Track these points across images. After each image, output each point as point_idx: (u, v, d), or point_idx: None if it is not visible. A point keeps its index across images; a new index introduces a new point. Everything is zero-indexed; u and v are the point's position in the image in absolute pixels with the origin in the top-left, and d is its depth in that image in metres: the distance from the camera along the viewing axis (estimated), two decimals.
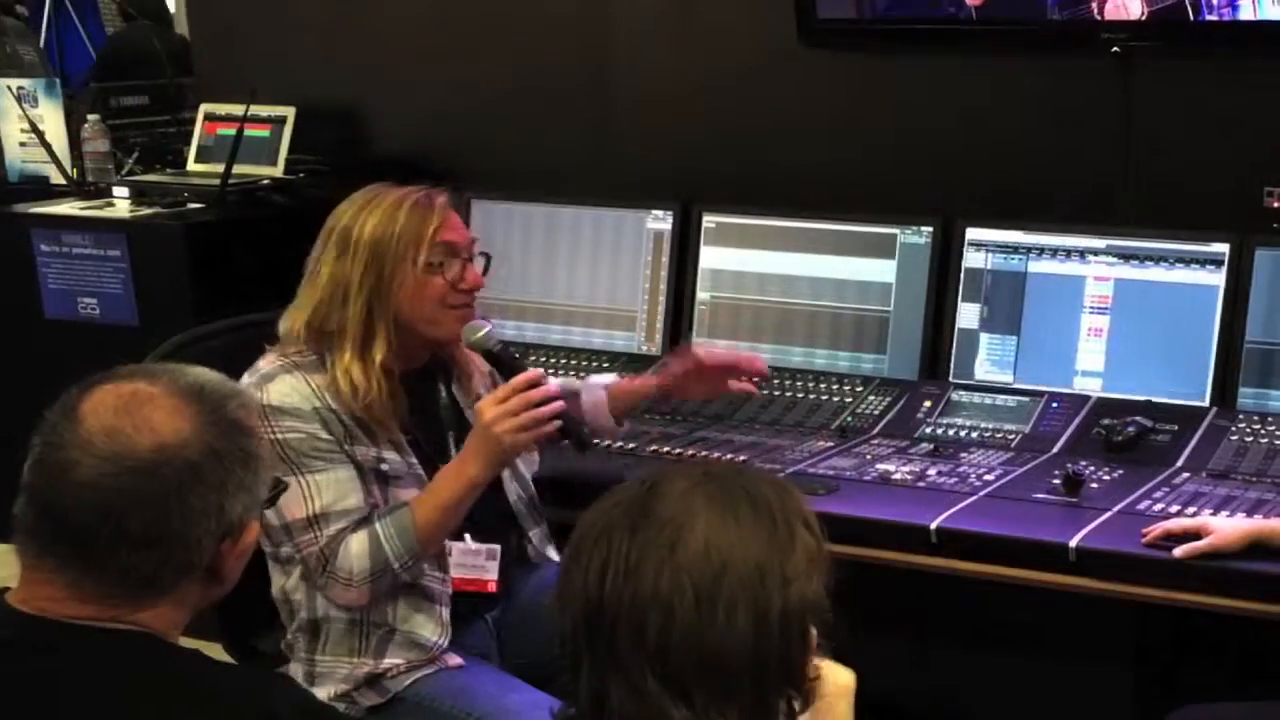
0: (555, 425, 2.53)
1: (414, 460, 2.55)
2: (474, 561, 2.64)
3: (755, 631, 1.44)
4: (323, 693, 2.53)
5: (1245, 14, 3.14)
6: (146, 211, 3.92)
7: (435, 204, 2.54)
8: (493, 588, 2.65)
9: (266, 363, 2.50)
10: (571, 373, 3.46)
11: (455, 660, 2.56)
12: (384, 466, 2.51)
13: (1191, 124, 3.33)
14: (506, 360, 2.61)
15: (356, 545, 2.45)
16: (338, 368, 2.47)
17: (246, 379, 2.47)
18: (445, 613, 2.56)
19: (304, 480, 2.43)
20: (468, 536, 2.63)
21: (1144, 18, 3.22)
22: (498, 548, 2.66)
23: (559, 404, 2.52)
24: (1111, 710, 3.01)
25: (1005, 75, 3.48)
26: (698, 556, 1.44)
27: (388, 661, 2.52)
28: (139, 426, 1.58)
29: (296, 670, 2.58)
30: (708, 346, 2.91)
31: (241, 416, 1.66)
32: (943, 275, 3.34)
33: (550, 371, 3.13)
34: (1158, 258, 3.19)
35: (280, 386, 2.45)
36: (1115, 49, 3.27)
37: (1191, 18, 3.19)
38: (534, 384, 2.50)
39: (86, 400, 1.60)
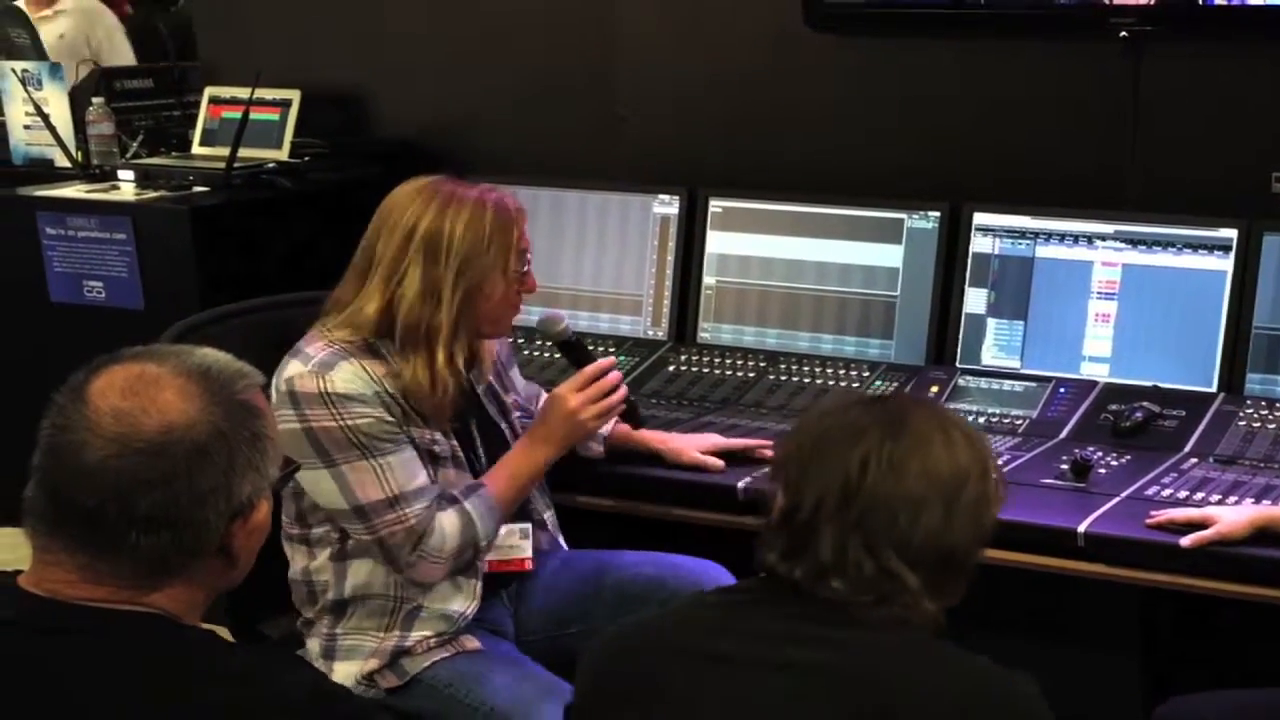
0: (622, 407, 2.74)
1: (455, 443, 2.62)
2: (508, 542, 2.69)
3: (974, 535, 1.82)
4: (346, 669, 2.56)
5: None
6: (152, 195, 3.91)
7: (517, 209, 2.60)
8: (528, 565, 2.72)
9: (316, 349, 2.51)
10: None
11: (473, 643, 2.59)
12: (436, 448, 2.57)
13: (1200, 109, 3.32)
14: (581, 349, 2.80)
15: (449, 523, 2.52)
16: (416, 365, 2.50)
17: (297, 365, 2.49)
18: (478, 586, 2.62)
19: (377, 463, 2.47)
20: None
21: (1153, 2, 3.22)
22: (529, 525, 2.72)
23: (624, 389, 2.72)
24: (1119, 696, 3.01)
25: (1013, 60, 3.47)
26: (946, 471, 1.79)
27: (415, 634, 2.56)
28: (146, 408, 1.58)
29: (314, 645, 2.60)
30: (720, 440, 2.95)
31: (249, 397, 1.66)
32: (950, 260, 3.34)
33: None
34: (1165, 243, 3.18)
35: (343, 374, 2.47)
36: (1123, 33, 3.26)
37: (1200, 2, 3.19)
38: (605, 371, 2.69)
39: (94, 382, 1.60)
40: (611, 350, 3.49)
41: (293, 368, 2.49)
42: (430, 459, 2.56)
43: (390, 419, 2.49)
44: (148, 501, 1.56)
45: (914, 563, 1.78)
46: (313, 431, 2.46)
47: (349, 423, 2.45)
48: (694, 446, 2.90)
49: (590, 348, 2.82)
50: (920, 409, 1.87)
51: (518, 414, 2.81)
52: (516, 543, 2.69)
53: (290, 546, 2.62)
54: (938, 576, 1.80)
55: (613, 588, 2.75)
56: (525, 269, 2.62)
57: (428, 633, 2.56)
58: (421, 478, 2.52)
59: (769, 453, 2.88)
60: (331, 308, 2.58)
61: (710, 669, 1.79)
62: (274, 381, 2.49)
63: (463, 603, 2.59)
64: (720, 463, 2.87)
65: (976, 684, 1.77)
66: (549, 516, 2.81)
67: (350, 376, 2.47)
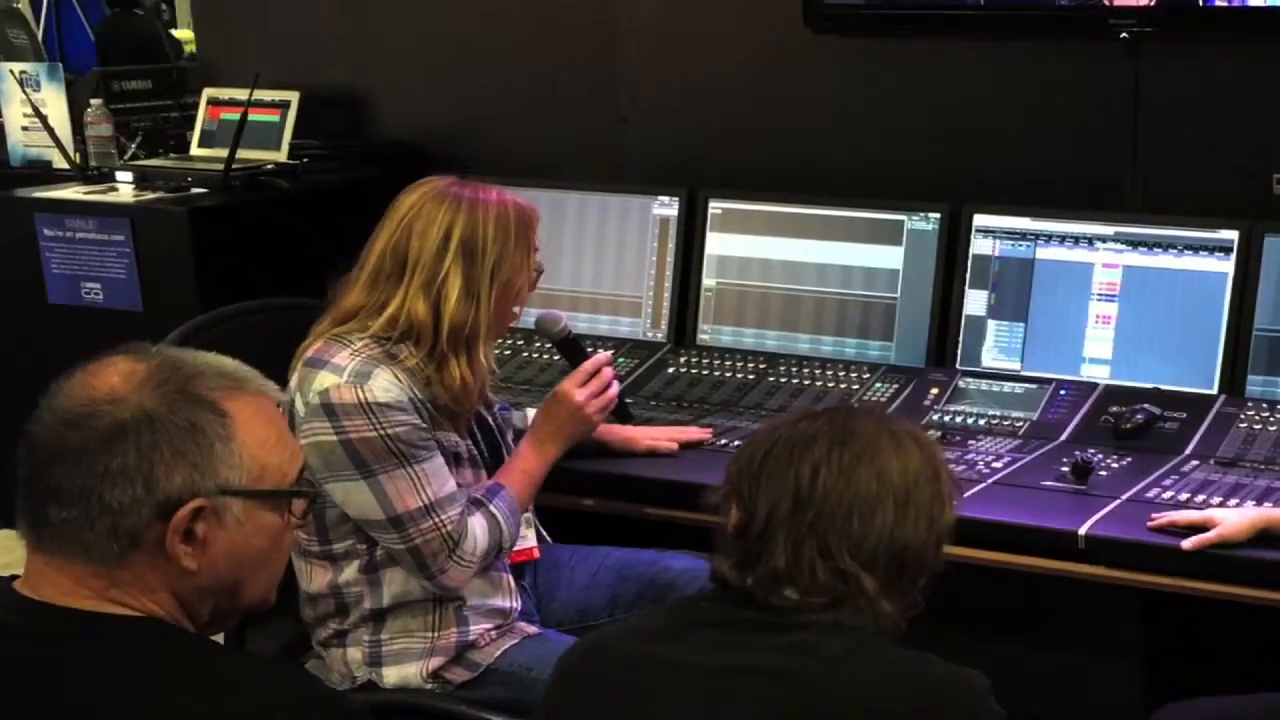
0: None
1: (470, 442, 2.65)
2: None
3: (928, 533, 1.84)
4: (402, 672, 2.56)
5: None
6: (150, 196, 3.91)
7: (534, 210, 2.67)
8: (536, 553, 2.77)
9: (344, 359, 2.49)
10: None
11: (531, 628, 2.64)
12: (459, 450, 2.60)
13: (1200, 110, 3.32)
14: (578, 347, 2.90)
15: (479, 527, 2.55)
16: (459, 367, 2.53)
17: (330, 376, 2.47)
18: (510, 580, 2.65)
19: (413, 470, 2.48)
20: None
21: (1153, 3, 3.21)
22: (530, 514, 2.75)
23: (616, 384, 2.81)
24: (1119, 699, 3.01)
25: (1013, 61, 3.47)
26: (897, 472, 1.82)
27: (475, 629, 2.58)
28: (86, 384, 1.58)
29: (356, 654, 2.59)
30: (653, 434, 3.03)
31: (214, 396, 1.61)
32: (950, 262, 3.33)
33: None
34: (1166, 245, 3.18)
35: (380, 382, 2.47)
36: (1124, 35, 3.25)
37: (1201, 3, 3.19)
38: (600, 366, 2.78)
39: (80, 371, 1.61)
40: (611, 352, 3.48)
41: (325, 379, 2.47)
42: (454, 461, 2.58)
43: (424, 425, 2.50)
44: (59, 472, 1.55)
45: (868, 564, 1.80)
46: (350, 443, 2.45)
47: (389, 431, 2.45)
48: (645, 436, 2.98)
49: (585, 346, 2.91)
50: (867, 417, 1.91)
51: (497, 406, 2.84)
52: (523, 532, 2.71)
53: (307, 563, 2.60)
54: (895, 578, 1.82)
55: (637, 580, 2.79)
56: (540, 267, 2.70)
57: (487, 625, 2.59)
58: (451, 483, 2.53)
59: (703, 434, 3.02)
60: (345, 314, 2.56)
61: (662, 675, 1.81)
62: (299, 395, 2.49)
63: (504, 598, 2.63)
64: (674, 445, 2.97)
65: (925, 684, 1.78)
66: (530, 507, 2.81)
67: (387, 385, 2.47)
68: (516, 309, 2.67)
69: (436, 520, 2.49)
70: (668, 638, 1.85)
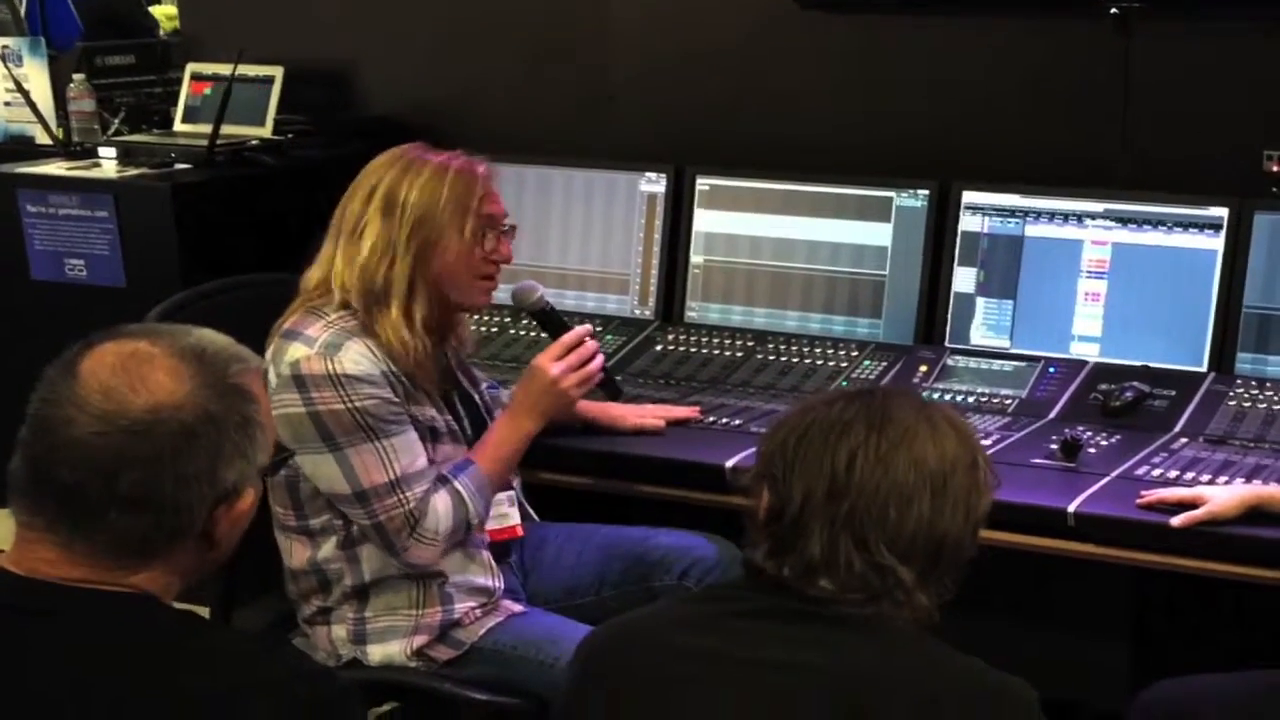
0: (600, 376, 2.75)
1: (449, 417, 2.62)
2: (498, 511, 2.70)
3: (965, 523, 1.82)
4: (386, 650, 2.56)
5: None
6: (133, 172, 3.88)
7: (479, 173, 2.59)
8: (519, 531, 2.74)
9: (316, 330, 2.49)
10: None
11: (516, 606, 2.63)
12: (436, 424, 2.57)
13: (1191, 87, 3.31)
14: (556, 319, 2.83)
15: (442, 504, 2.52)
16: (385, 326, 2.50)
17: (301, 347, 2.47)
18: (489, 557, 2.63)
19: (382, 445, 2.46)
20: None
21: None
22: (514, 492, 2.74)
23: (600, 357, 2.73)
24: (1108, 676, 3.01)
25: (1003, 37, 3.46)
26: (934, 459, 1.79)
27: (460, 607, 2.57)
28: (135, 386, 1.56)
29: (340, 631, 2.59)
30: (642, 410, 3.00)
31: (244, 382, 1.63)
32: (939, 239, 3.32)
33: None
34: (1156, 222, 3.17)
35: (350, 355, 2.46)
36: (1114, 10, 3.24)
37: None
38: (581, 339, 2.70)
39: (87, 358, 1.59)
40: (598, 328, 3.47)
41: (296, 350, 2.46)
42: (431, 436, 2.56)
43: (395, 399, 2.49)
44: (129, 480, 1.54)
45: (906, 555, 1.78)
46: (319, 415, 2.44)
47: (356, 404, 2.44)
48: (632, 414, 2.94)
49: (565, 319, 2.85)
50: (904, 400, 1.87)
51: (485, 384, 2.82)
52: (506, 510, 2.70)
53: (287, 538, 2.59)
54: (931, 568, 1.80)
55: (625, 558, 2.78)
56: (490, 233, 2.61)
57: (471, 603, 2.58)
58: (422, 459, 2.51)
59: (691, 412, 2.99)
60: (310, 286, 2.56)
61: (698, 666, 1.78)
62: (272, 366, 2.48)
63: (485, 575, 2.61)
64: (661, 422, 2.93)
65: (967, 683, 1.76)
66: (516, 484, 2.80)
67: (358, 357, 2.46)
68: (467, 276, 2.59)
69: (400, 497, 2.47)
70: (703, 627, 1.82)
